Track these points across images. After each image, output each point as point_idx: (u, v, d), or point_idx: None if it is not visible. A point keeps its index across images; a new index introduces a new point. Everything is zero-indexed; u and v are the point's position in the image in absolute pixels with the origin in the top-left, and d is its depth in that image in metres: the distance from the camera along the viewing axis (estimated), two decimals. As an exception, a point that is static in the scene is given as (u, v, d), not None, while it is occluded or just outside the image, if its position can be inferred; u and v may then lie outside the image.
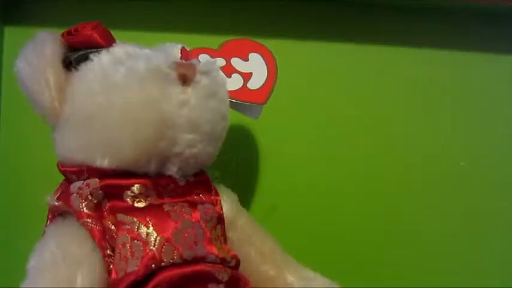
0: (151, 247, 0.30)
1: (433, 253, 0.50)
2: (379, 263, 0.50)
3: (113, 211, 0.31)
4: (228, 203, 0.36)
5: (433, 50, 0.52)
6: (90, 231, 0.31)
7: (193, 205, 0.33)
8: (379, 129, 0.51)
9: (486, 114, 0.52)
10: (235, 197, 0.38)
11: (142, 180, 0.32)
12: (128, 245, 0.30)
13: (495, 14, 0.51)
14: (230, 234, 0.36)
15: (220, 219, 0.34)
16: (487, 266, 0.50)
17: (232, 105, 0.36)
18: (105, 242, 0.31)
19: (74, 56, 0.33)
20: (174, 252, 0.30)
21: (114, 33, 0.35)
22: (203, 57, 0.37)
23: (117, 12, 0.49)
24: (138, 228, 0.30)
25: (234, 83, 0.37)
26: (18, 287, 0.30)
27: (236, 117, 0.39)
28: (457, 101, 0.52)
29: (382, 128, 0.51)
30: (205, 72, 0.32)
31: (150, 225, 0.31)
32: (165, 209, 0.32)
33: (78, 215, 0.31)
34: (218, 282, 0.31)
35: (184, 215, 0.32)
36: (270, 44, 0.39)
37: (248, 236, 0.37)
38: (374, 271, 0.50)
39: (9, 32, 0.50)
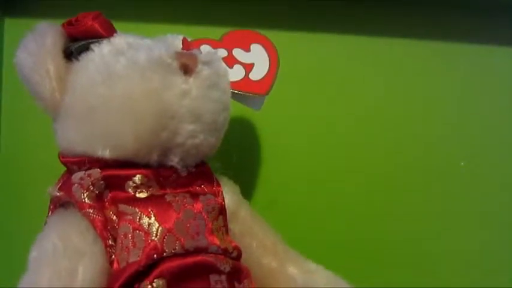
0: (153, 237, 0.30)
1: (432, 253, 0.50)
2: (378, 257, 0.50)
3: (115, 201, 0.31)
4: (229, 194, 0.36)
5: (435, 43, 0.51)
6: (92, 222, 0.30)
7: (195, 196, 0.33)
8: (380, 127, 0.51)
9: (486, 115, 0.52)
10: (237, 188, 0.38)
11: (144, 171, 0.32)
12: (129, 235, 0.30)
13: (495, 6, 0.51)
14: (232, 225, 0.36)
15: (222, 210, 0.34)
16: (487, 266, 0.50)
17: (234, 96, 0.36)
18: (107, 233, 0.31)
19: (75, 46, 0.33)
20: (176, 243, 0.30)
21: (115, 24, 0.35)
22: (205, 48, 0.37)
23: (118, 3, 0.48)
24: (139, 219, 0.30)
25: (236, 74, 0.37)
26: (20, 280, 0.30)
27: (238, 109, 0.39)
28: (457, 100, 0.52)
29: (383, 125, 0.51)
30: (207, 63, 0.32)
31: (152, 216, 0.31)
32: (167, 200, 0.32)
33: (80, 206, 0.31)
34: (220, 272, 0.31)
35: (186, 205, 0.32)
36: (272, 35, 0.39)
37: (250, 227, 0.37)
38: (373, 264, 0.50)
39: (10, 23, 0.50)
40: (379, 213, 0.50)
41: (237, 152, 0.47)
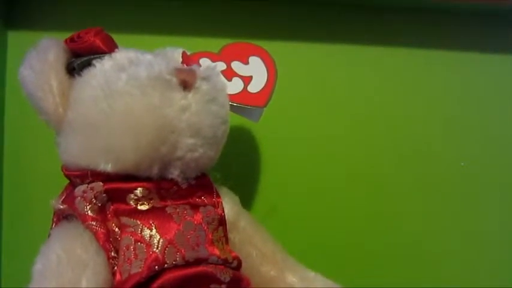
0: (155, 249, 0.30)
1: (432, 253, 0.51)
2: (379, 263, 0.50)
3: (117, 214, 0.32)
4: (229, 204, 0.37)
5: (432, 51, 0.52)
6: (95, 234, 0.31)
7: (195, 207, 0.34)
8: (379, 130, 0.51)
9: (486, 114, 0.52)
10: (236, 198, 0.38)
11: (145, 184, 0.33)
12: (131, 247, 0.31)
13: (495, 14, 0.51)
14: (232, 235, 0.36)
15: (221, 221, 0.35)
16: (487, 266, 0.51)
17: (233, 109, 0.37)
18: (110, 245, 0.31)
19: (77, 62, 0.34)
20: (176, 254, 0.31)
21: (115, 37, 0.36)
22: (204, 62, 0.38)
23: (119, 16, 0.49)
24: (141, 231, 0.31)
25: (235, 86, 0.38)
26: (24, 289, 0.30)
27: (237, 119, 0.39)
28: (457, 100, 0.52)
29: (382, 128, 0.51)
30: (206, 78, 0.33)
31: (153, 228, 0.31)
32: (168, 212, 0.32)
33: (83, 218, 0.31)
34: (220, 282, 0.32)
35: (186, 217, 0.33)
36: (270, 47, 0.39)
37: (249, 237, 0.38)
38: (374, 271, 0.50)
39: (13, 36, 0.50)
40: (379, 217, 0.51)
41: (236, 162, 0.47)
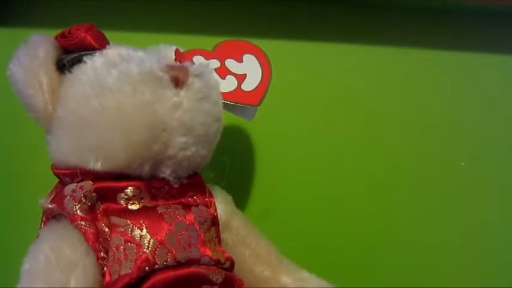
0: (145, 249, 0.30)
1: (432, 253, 0.50)
2: (376, 264, 0.50)
3: (107, 213, 0.31)
4: (222, 204, 0.36)
5: (432, 51, 0.52)
6: (84, 234, 0.31)
7: (187, 207, 0.33)
8: (378, 130, 0.51)
9: (486, 114, 0.52)
10: (229, 198, 0.38)
11: (136, 183, 0.32)
12: (121, 247, 0.30)
13: (495, 14, 0.51)
14: (225, 235, 0.36)
15: (214, 221, 0.34)
16: (487, 266, 0.51)
17: (227, 107, 0.36)
18: (99, 245, 0.31)
19: (68, 58, 0.33)
20: (167, 255, 0.30)
21: (108, 34, 0.35)
22: (197, 59, 0.37)
23: (111, 13, 0.49)
24: (131, 231, 0.31)
25: (228, 84, 0.37)
26: (14, 288, 0.30)
27: (230, 119, 0.39)
28: (457, 101, 0.52)
29: (381, 128, 0.51)
30: (198, 75, 0.32)
31: (144, 228, 0.31)
32: (159, 211, 0.32)
33: (72, 218, 0.31)
34: (212, 284, 0.31)
35: (178, 217, 0.32)
36: (264, 45, 0.39)
37: (243, 237, 0.37)
38: (371, 272, 0.50)
39: (3, 33, 0.50)
40: (376, 218, 0.50)
41: (230, 161, 0.47)
